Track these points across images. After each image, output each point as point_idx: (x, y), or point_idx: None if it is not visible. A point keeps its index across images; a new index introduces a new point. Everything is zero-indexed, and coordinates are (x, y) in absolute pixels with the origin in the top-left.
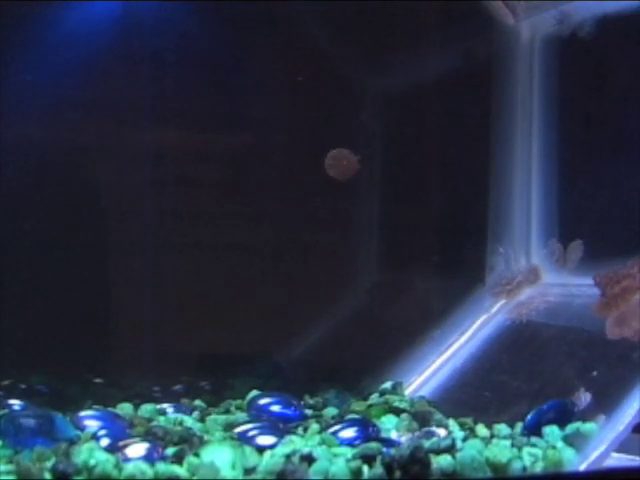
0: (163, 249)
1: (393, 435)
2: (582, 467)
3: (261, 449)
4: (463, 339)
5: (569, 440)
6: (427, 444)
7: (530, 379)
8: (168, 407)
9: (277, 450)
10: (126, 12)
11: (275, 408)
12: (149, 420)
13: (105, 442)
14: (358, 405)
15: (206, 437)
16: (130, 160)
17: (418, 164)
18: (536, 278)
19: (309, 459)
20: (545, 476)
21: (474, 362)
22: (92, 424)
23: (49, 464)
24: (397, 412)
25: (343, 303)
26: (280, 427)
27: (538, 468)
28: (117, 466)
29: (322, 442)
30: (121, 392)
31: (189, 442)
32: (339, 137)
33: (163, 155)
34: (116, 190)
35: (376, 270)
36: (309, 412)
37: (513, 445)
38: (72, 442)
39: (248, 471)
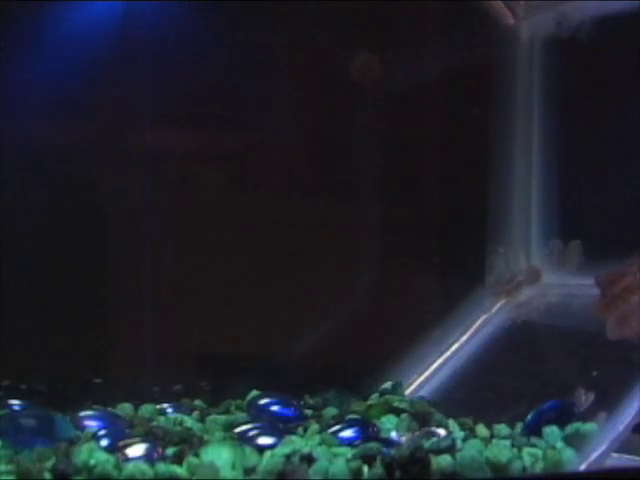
0: (163, 249)
1: (393, 435)
2: (582, 467)
3: (261, 449)
4: (463, 339)
5: (569, 440)
6: (427, 444)
7: (530, 379)
8: (168, 407)
9: (277, 450)
10: (126, 12)
11: (275, 408)
12: (149, 420)
13: (105, 442)
14: (358, 405)
15: (206, 437)
16: (130, 161)
17: (418, 164)
18: (536, 278)
19: (309, 459)
20: (545, 476)
21: (474, 362)
22: (92, 424)
23: (49, 464)
24: (397, 412)
25: (343, 303)
26: (280, 427)
27: (538, 468)
28: (117, 466)
29: (322, 442)
30: (121, 392)
31: (189, 442)
32: (340, 138)
33: (163, 155)
34: (116, 191)
35: (376, 270)
36: (309, 412)
37: (513, 445)
38: (72, 442)
39: (248, 471)
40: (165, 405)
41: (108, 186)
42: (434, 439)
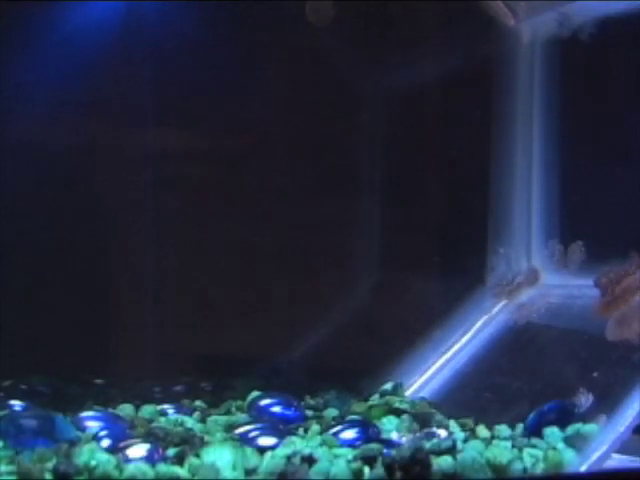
0: (164, 250)
1: (394, 436)
2: (583, 468)
3: (262, 450)
4: (464, 340)
5: (570, 441)
6: (428, 445)
7: (531, 380)
8: (169, 408)
9: (278, 451)
10: (128, 13)
11: (276, 409)
12: (150, 421)
13: (106, 443)
14: (359, 406)
15: (207, 438)
16: (131, 161)
17: (419, 165)
18: (536, 279)
19: (310, 460)
20: (546, 477)
21: (475, 363)
22: (93, 425)
23: (50, 465)
24: (398, 413)
25: (344, 304)
26: (281, 428)
27: (539, 469)
28: (118, 467)
29: (323, 443)
30: (122, 393)
31: (190, 443)
32: (340, 138)
33: (164, 156)
34: (117, 191)
35: (377, 271)
36: (310, 413)
37: (514, 446)
38: (73, 443)
39: (249, 472)
40: (166, 406)
41: (108, 186)
42: (435, 440)
